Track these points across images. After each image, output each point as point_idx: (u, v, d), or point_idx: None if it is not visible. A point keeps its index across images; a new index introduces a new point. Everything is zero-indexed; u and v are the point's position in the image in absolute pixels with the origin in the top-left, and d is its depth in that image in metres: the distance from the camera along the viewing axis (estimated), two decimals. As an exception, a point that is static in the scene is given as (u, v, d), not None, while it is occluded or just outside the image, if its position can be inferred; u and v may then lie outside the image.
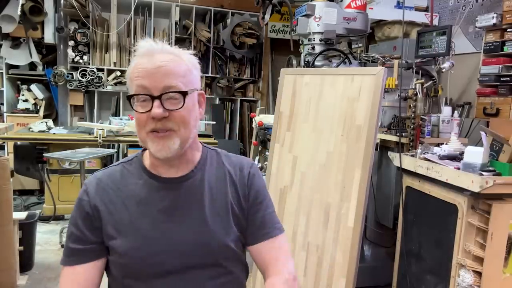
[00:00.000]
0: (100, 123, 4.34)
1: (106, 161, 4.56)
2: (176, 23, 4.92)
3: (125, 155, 4.52)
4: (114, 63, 4.75)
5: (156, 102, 0.91)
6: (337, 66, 2.72)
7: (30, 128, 3.92)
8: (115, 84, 4.76)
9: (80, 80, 4.55)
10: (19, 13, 4.10)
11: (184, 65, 0.96)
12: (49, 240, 3.41)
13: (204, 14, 5.26)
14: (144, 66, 0.94)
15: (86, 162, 3.61)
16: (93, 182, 1.01)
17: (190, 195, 1.00)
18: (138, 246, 0.95)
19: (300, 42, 3.00)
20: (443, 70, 2.59)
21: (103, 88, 4.72)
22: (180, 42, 5.09)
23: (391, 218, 2.73)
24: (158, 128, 0.92)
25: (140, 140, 0.96)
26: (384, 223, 2.82)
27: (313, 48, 2.78)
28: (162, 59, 0.94)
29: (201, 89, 1.02)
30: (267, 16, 3.07)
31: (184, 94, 0.93)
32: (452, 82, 3.41)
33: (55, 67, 4.51)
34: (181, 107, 0.93)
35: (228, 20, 5.07)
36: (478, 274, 1.85)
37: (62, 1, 4.43)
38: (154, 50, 0.96)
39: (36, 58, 4.57)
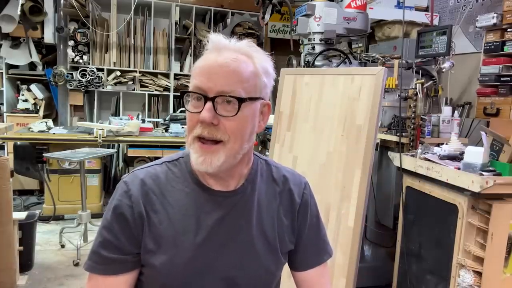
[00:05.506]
0: (100, 123, 4.34)
1: (106, 161, 4.56)
2: (176, 23, 4.92)
3: (125, 155, 4.52)
4: (114, 63, 4.75)
5: (208, 104, 0.79)
6: (337, 66, 2.71)
7: (30, 128, 3.92)
8: (115, 84, 4.76)
9: (80, 80, 4.54)
10: (19, 13, 4.09)
11: (251, 68, 0.83)
12: (49, 240, 3.41)
13: (204, 14, 5.26)
14: (206, 62, 0.82)
15: (86, 162, 3.61)
16: (136, 183, 0.86)
17: (239, 213, 0.89)
18: (179, 265, 0.85)
19: (300, 42, 3.00)
20: (443, 70, 2.59)
21: (103, 88, 4.72)
22: (180, 42, 5.10)
23: (391, 218, 2.73)
24: (205, 136, 0.80)
25: (187, 144, 0.85)
26: (384, 223, 2.81)
27: (313, 48, 2.78)
28: (227, 58, 0.82)
29: (265, 99, 0.88)
30: (267, 16, 3.07)
31: (240, 101, 0.80)
32: (452, 82, 3.41)
33: (55, 67, 4.50)
34: (235, 115, 0.80)
35: (228, 20, 5.07)
36: (478, 274, 1.85)
37: (62, 1, 4.42)
38: (222, 46, 0.85)
39: (36, 58, 4.56)
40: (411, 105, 2.50)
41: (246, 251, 0.89)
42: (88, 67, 4.58)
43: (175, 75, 5.01)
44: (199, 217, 0.87)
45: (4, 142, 4.21)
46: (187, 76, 5.05)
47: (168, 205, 0.86)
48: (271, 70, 0.88)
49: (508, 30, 2.90)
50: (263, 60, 0.87)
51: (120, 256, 0.85)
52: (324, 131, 2.12)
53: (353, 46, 4.09)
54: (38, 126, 3.91)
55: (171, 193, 0.88)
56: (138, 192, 0.85)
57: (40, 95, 4.59)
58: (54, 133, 3.82)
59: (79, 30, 4.51)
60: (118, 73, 4.74)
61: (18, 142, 3.73)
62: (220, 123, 0.80)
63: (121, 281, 0.86)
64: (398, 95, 2.57)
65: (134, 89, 4.87)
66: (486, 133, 1.95)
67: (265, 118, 0.90)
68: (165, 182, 0.88)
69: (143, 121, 4.53)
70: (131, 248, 0.85)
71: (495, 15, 2.93)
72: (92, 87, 4.64)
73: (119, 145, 4.68)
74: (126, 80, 4.79)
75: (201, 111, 0.80)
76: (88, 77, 4.56)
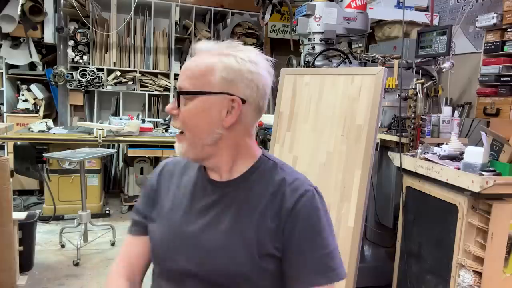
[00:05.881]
0: (100, 123, 4.34)
1: (106, 161, 4.56)
2: (176, 23, 4.92)
3: (125, 155, 4.53)
4: (114, 63, 4.75)
5: (174, 98, 0.92)
6: (337, 66, 2.72)
7: (30, 128, 3.92)
8: (115, 84, 4.76)
9: (80, 80, 4.54)
10: (19, 13, 4.10)
11: (208, 65, 0.88)
12: (49, 240, 3.41)
13: (204, 14, 5.26)
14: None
15: (86, 162, 3.61)
16: (162, 165, 1.06)
17: (226, 204, 0.93)
18: (163, 238, 0.95)
19: (300, 42, 3.00)
20: (443, 70, 2.59)
21: (103, 88, 4.73)
22: (180, 42, 5.10)
23: (391, 218, 2.73)
24: (172, 125, 0.96)
25: None
26: (384, 223, 2.81)
27: (313, 48, 2.78)
28: (194, 59, 0.91)
29: (234, 94, 0.89)
30: (267, 16, 3.07)
31: (180, 93, 0.89)
32: (452, 82, 3.41)
33: (55, 67, 4.50)
34: (179, 107, 0.90)
35: (228, 20, 5.07)
36: (478, 274, 1.85)
37: (62, 1, 4.43)
38: (199, 51, 0.93)
39: (36, 58, 4.57)
40: (411, 105, 2.50)
41: (221, 241, 0.90)
42: (88, 67, 4.58)
43: (175, 75, 5.00)
44: (193, 199, 0.96)
45: (4, 142, 4.21)
46: (187, 76, 5.05)
47: (175, 185, 1.00)
48: (236, 66, 0.88)
49: (508, 30, 2.91)
50: (233, 59, 0.88)
51: (140, 220, 1.02)
52: (324, 131, 2.12)
53: (353, 46, 4.09)
54: (38, 126, 3.91)
55: (182, 176, 1.01)
56: (159, 171, 1.05)
57: (40, 95, 4.59)
58: (54, 133, 3.83)
59: (79, 30, 4.51)
60: (118, 73, 4.74)
61: (18, 142, 3.73)
62: (179, 115, 0.90)
63: (140, 241, 1.01)
64: (398, 95, 2.57)
65: (134, 89, 4.88)
66: (486, 133, 1.95)
67: (233, 112, 0.88)
68: (182, 168, 1.03)
69: (143, 121, 4.53)
70: (148, 214, 1.01)
71: (495, 15, 2.93)
72: (92, 87, 4.64)
73: (119, 145, 4.68)
74: (126, 80, 4.79)
75: None
76: (88, 77, 4.56)
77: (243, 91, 0.89)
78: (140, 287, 1.03)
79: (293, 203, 0.90)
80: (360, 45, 4.33)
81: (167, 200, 0.99)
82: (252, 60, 0.89)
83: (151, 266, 1.02)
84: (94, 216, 3.71)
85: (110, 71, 4.75)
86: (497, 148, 1.96)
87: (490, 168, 1.85)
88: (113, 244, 3.33)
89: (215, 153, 0.92)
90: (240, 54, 0.89)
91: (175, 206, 0.97)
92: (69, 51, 4.56)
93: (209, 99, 0.88)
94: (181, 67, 5.04)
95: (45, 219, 3.77)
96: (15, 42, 4.53)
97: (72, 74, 4.50)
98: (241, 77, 0.88)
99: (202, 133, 0.90)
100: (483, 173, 1.79)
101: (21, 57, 4.54)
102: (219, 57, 0.89)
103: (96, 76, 4.60)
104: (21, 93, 4.59)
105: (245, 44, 0.96)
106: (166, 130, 4.34)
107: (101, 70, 4.68)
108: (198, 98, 0.88)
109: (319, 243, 0.90)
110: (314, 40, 2.77)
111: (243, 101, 0.89)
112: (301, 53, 2.96)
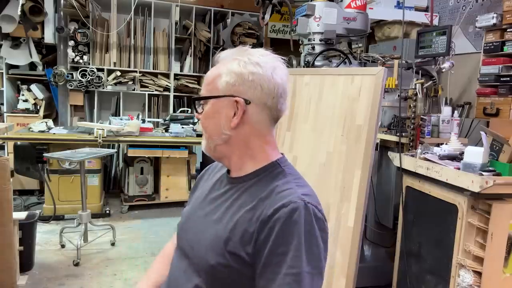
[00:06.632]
0: (100, 123, 4.34)
1: (106, 161, 4.56)
2: (176, 23, 4.92)
3: (125, 155, 4.53)
4: (114, 63, 4.75)
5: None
6: (337, 66, 2.72)
7: (30, 128, 3.92)
8: (115, 84, 4.76)
9: (80, 80, 4.55)
10: (19, 13, 4.10)
11: (217, 72, 0.96)
12: (49, 240, 3.41)
13: (204, 14, 5.26)
14: None
15: (86, 162, 3.61)
16: (210, 165, 1.19)
17: (226, 198, 0.99)
18: (183, 218, 1.10)
19: (300, 42, 3.00)
20: (443, 70, 2.59)
21: (103, 88, 4.73)
22: (180, 42, 5.10)
23: (391, 218, 2.73)
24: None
25: None
26: (384, 223, 2.82)
27: (313, 48, 2.78)
28: (211, 69, 1.00)
29: (239, 96, 0.93)
30: (267, 16, 3.07)
31: (194, 100, 1.00)
32: (452, 82, 3.41)
33: (55, 67, 4.50)
34: (197, 113, 1.00)
35: (228, 20, 5.07)
36: (478, 274, 1.85)
37: (62, 1, 4.43)
38: (217, 60, 1.01)
39: (36, 58, 4.57)
40: (411, 105, 2.50)
41: (206, 230, 0.97)
42: (88, 67, 4.58)
43: (175, 75, 5.01)
44: (211, 190, 1.06)
45: (4, 142, 4.21)
46: (187, 76, 5.06)
47: (209, 179, 1.12)
48: (238, 70, 0.93)
49: (508, 30, 2.91)
50: (237, 63, 0.93)
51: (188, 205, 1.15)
52: (324, 131, 2.12)
53: (353, 46, 4.10)
54: (38, 126, 3.91)
55: (216, 173, 1.11)
56: (205, 170, 1.19)
57: (40, 95, 4.59)
58: (54, 133, 3.83)
59: (79, 30, 4.51)
60: (118, 73, 4.74)
61: (18, 142, 3.73)
62: (200, 119, 1.01)
63: None
64: (398, 95, 2.57)
65: (134, 89, 4.88)
66: (486, 133, 1.95)
67: (237, 113, 0.93)
68: (220, 167, 1.11)
69: (143, 121, 4.53)
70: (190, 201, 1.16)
71: (495, 15, 2.93)
72: (92, 87, 4.65)
73: (119, 145, 4.68)
74: (126, 80, 4.79)
75: None
76: (88, 77, 4.56)
77: (246, 92, 0.93)
78: None
79: (272, 212, 0.87)
80: (360, 45, 4.33)
81: (199, 190, 1.12)
82: (254, 62, 0.93)
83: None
84: (94, 216, 3.71)
85: (110, 71, 4.75)
86: (497, 148, 1.96)
87: (490, 168, 1.85)
88: (113, 244, 3.33)
89: (227, 152, 0.99)
90: (245, 58, 0.94)
91: (199, 195, 1.09)
92: (69, 51, 4.56)
93: (217, 102, 0.95)
94: (181, 67, 5.11)
95: (45, 219, 3.77)
96: (15, 42, 4.53)
97: (72, 74, 4.50)
98: (242, 80, 0.93)
99: (213, 134, 0.98)
100: (483, 173, 1.79)
101: (21, 57, 4.54)
102: (226, 64, 0.95)
103: (96, 76, 4.60)
104: (21, 93, 4.59)
105: (244, 44, 0.98)
106: (166, 130, 4.34)
107: (101, 70, 4.68)
108: (210, 102, 0.97)
109: (288, 261, 0.84)
110: (314, 40, 2.78)
111: (247, 102, 0.93)
112: (301, 53, 2.96)
